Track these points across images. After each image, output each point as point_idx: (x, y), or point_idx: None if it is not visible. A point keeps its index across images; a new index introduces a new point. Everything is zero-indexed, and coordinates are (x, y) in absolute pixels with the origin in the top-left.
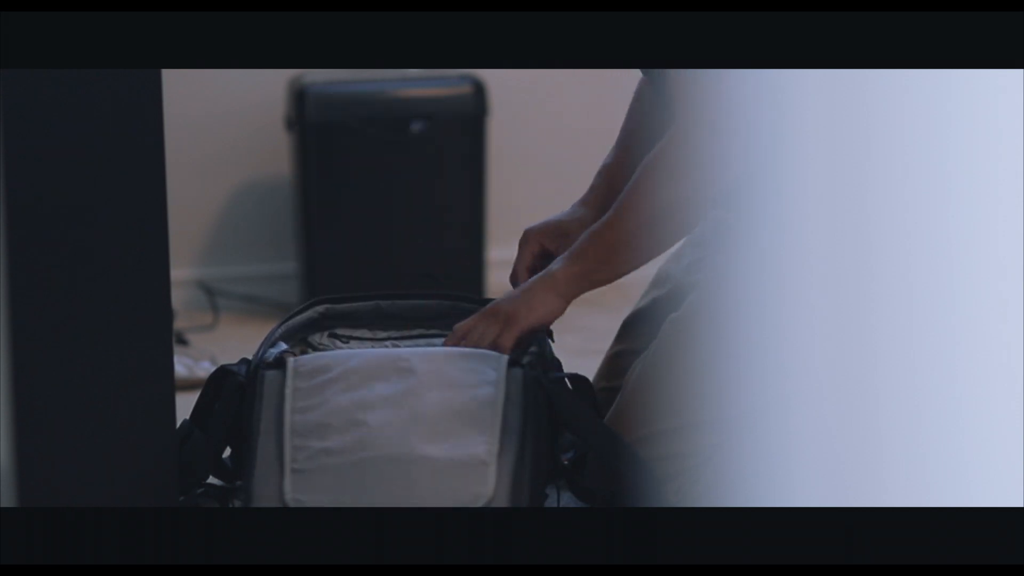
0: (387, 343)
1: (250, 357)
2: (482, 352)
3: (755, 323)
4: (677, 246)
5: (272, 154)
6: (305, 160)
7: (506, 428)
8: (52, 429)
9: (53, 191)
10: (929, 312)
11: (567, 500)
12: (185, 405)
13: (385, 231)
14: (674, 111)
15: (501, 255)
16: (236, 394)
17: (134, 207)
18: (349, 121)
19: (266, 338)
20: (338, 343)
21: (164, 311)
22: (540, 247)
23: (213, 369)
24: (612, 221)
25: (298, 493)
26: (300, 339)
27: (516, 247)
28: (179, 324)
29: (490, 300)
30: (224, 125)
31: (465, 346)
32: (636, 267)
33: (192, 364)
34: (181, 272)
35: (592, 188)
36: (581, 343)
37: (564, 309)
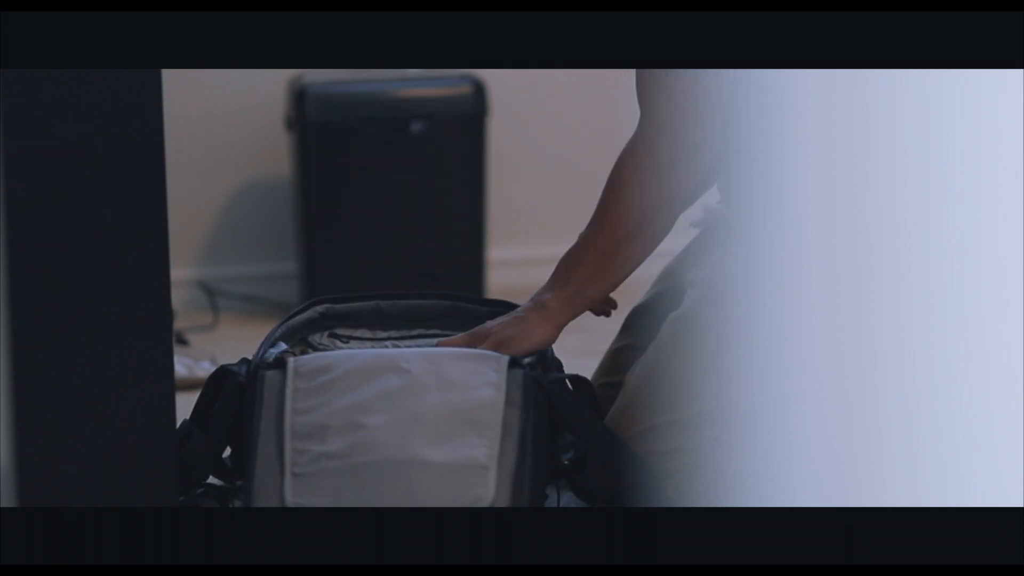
0: (387, 343)
1: (250, 357)
2: (482, 352)
3: (755, 321)
4: (682, 245)
5: (272, 154)
6: (305, 160)
7: (506, 430)
8: (52, 429)
9: (53, 191)
10: (929, 311)
11: (567, 500)
12: (185, 405)
13: (385, 231)
14: (640, 112)
15: (501, 255)
16: (236, 394)
17: (134, 207)
18: (349, 121)
19: (266, 338)
20: (338, 343)
21: (164, 311)
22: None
23: (213, 369)
24: (590, 239)
25: (298, 497)
26: (300, 339)
27: (516, 247)
28: (179, 324)
29: (490, 300)
30: (224, 125)
31: None
32: (625, 276)
33: (192, 364)
34: (181, 272)
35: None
36: (582, 343)
37: (557, 336)
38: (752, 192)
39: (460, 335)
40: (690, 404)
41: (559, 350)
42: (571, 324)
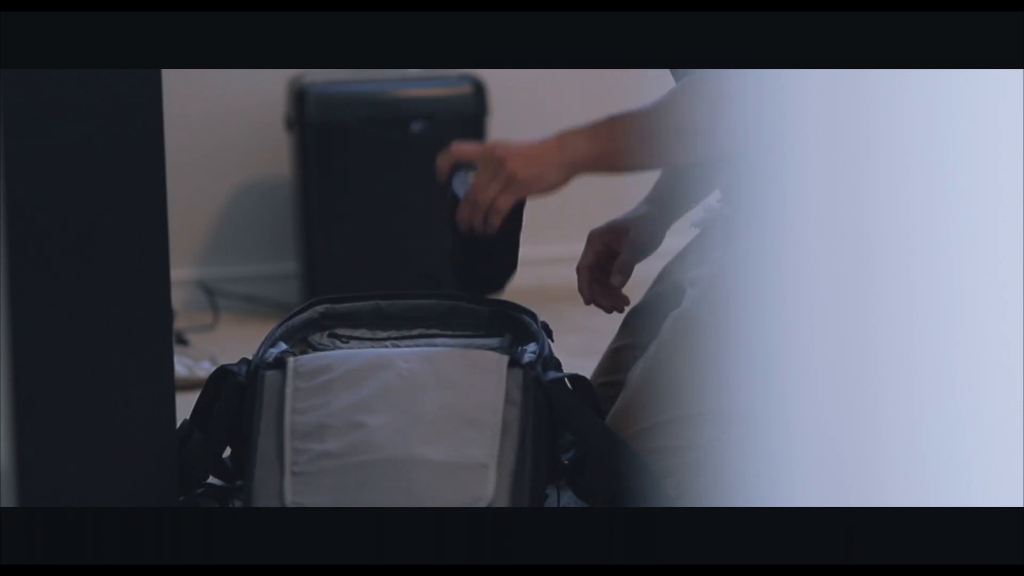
0: (387, 343)
1: (250, 357)
2: (482, 352)
3: (756, 320)
4: (682, 245)
5: (272, 154)
6: (305, 160)
7: (506, 429)
8: (52, 429)
9: (53, 191)
10: (930, 311)
11: (567, 500)
12: (185, 405)
13: (385, 231)
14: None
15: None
16: (236, 394)
17: (134, 207)
18: (349, 121)
19: (266, 338)
20: (338, 343)
21: (164, 311)
22: (603, 246)
23: (213, 369)
24: (635, 116)
25: (298, 496)
26: (300, 339)
27: None
28: (179, 324)
29: (490, 300)
30: (224, 125)
31: (465, 199)
32: (637, 167)
33: (192, 364)
34: (181, 272)
35: (657, 184)
36: (581, 343)
37: (566, 183)
38: (753, 191)
39: (476, 145)
40: (691, 403)
41: (559, 350)
42: (571, 324)
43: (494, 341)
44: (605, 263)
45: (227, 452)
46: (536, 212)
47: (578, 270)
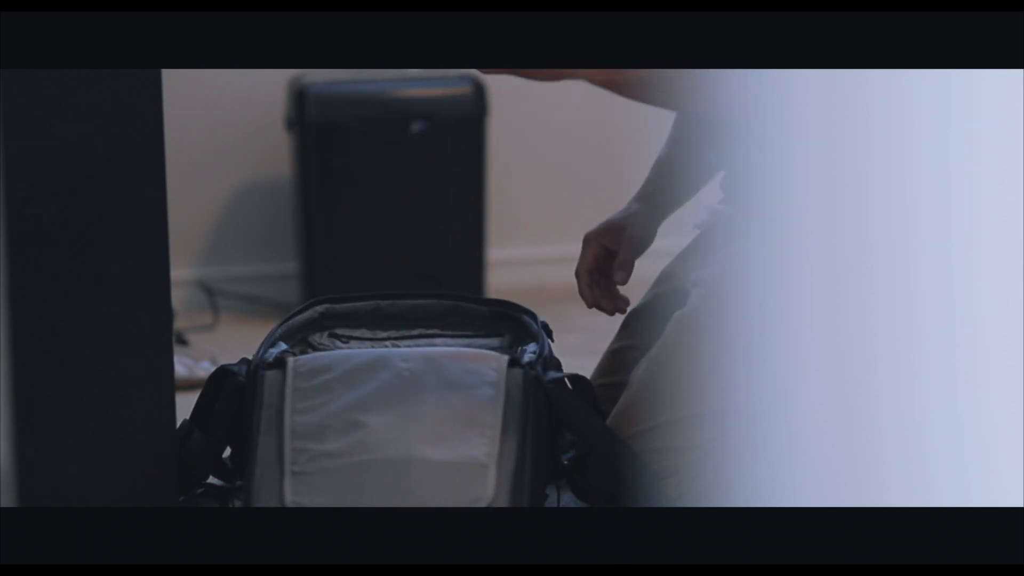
0: (387, 343)
1: (250, 357)
2: (482, 352)
3: (759, 321)
4: (682, 246)
5: (272, 154)
6: (305, 160)
7: (506, 429)
8: (52, 429)
9: (53, 191)
10: (930, 311)
11: (567, 500)
12: (185, 405)
13: (385, 231)
14: None
15: (501, 255)
16: (236, 394)
17: (134, 207)
18: (349, 121)
19: (266, 338)
20: (338, 343)
21: (164, 311)
22: (600, 247)
23: (213, 369)
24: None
25: (298, 496)
26: (300, 339)
27: (516, 247)
28: (179, 324)
29: (490, 300)
30: (224, 125)
31: None
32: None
33: (192, 364)
34: (181, 272)
35: (647, 182)
36: (581, 343)
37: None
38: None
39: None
40: (693, 403)
41: (559, 350)
42: (571, 324)
43: (494, 341)
44: (603, 264)
45: (227, 452)
46: (536, 212)
47: (577, 274)
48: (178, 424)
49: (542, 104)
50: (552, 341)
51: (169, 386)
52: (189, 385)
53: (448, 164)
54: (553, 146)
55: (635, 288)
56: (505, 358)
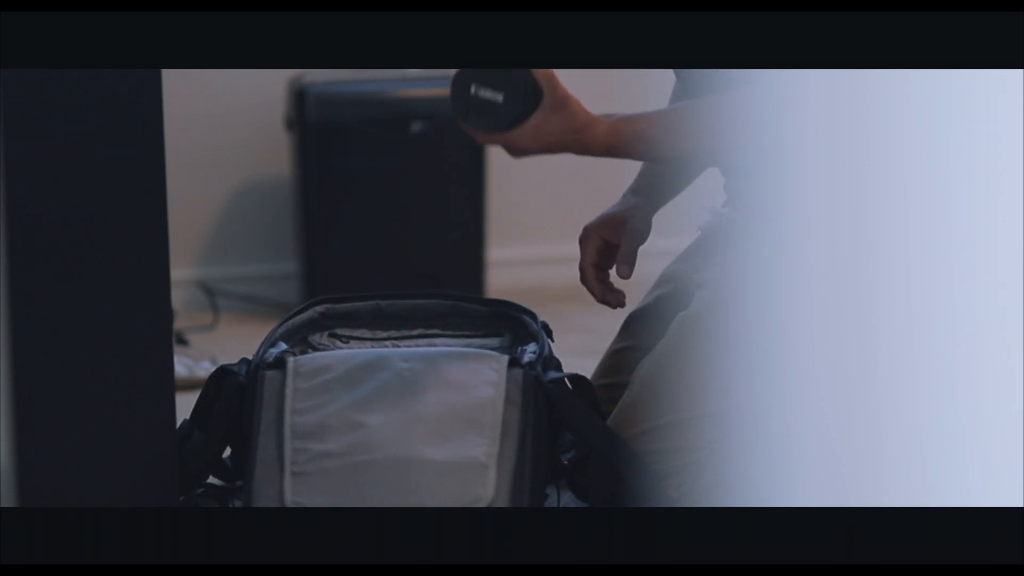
0: (387, 343)
1: (250, 357)
2: (482, 352)
3: (762, 323)
4: (683, 247)
5: (272, 154)
6: (305, 160)
7: (506, 429)
8: (52, 429)
9: (53, 191)
10: (930, 312)
11: (567, 500)
12: (185, 405)
13: (385, 231)
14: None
15: (501, 255)
16: (236, 394)
17: (134, 207)
18: (349, 121)
19: (266, 338)
20: (338, 343)
21: (164, 311)
22: (601, 241)
23: (213, 369)
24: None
25: (298, 496)
26: (300, 339)
27: (516, 247)
28: (179, 324)
29: (490, 300)
30: (224, 125)
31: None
32: (642, 155)
33: (192, 364)
34: (181, 272)
35: (641, 173)
36: (582, 343)
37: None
38: (756, 193)
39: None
40: (694, 405)
41: (559, 350)
42: (571, 324)
43: (494, 341)
44: (604, 258)
45: (227, 452)
46: (536, 212)
47: (583, 268)
48: (178, 424)
49: None
50: (552, 341)
51: (169, 386)
52: (189, 385)
53: (448, 164)
54: None
55: (635, 288)
56: (505, 358)
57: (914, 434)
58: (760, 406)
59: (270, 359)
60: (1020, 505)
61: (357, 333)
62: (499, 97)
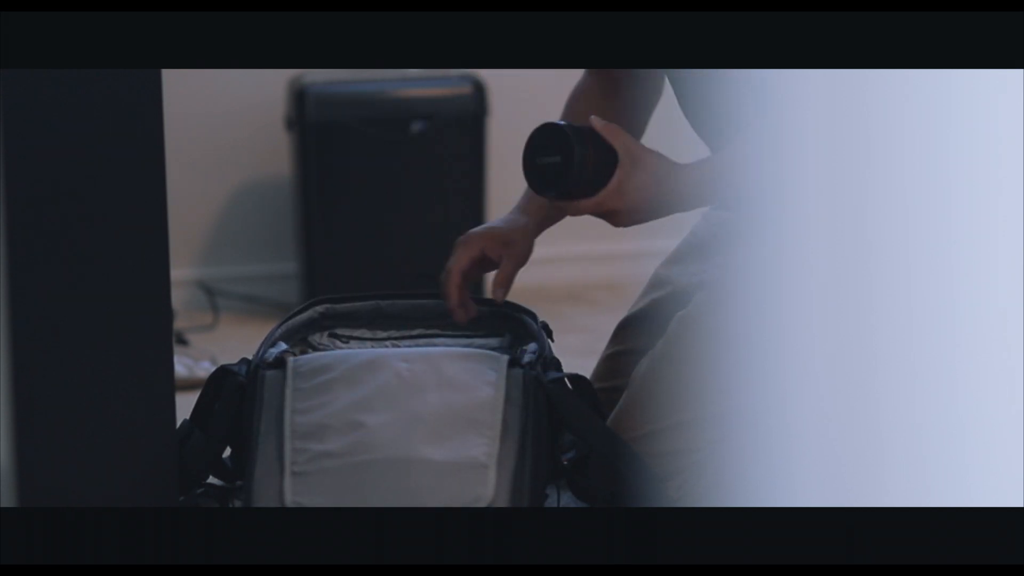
0: (387, 343)
1: (250, 357)
2: (482, 352)
3: (761, 323)
4: (675, 250)
5: (272, 154)
6: (305, 160)
7: (506, 429)
8: (52, 429)
9: (53, 191)
10: (930, 312)
11: (567, 500)
12: (185, 405)
13: (385, 231)
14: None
15: None
16: (236, 394)
17: (134, 207)
18: (349, 121)
19: (266, 338)
20: (338, 343)
21: (164, 311)
22: (480, 252)
23: (213, 369)
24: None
25: (298, 496)
26: (300, 339)
27: None
28: (179, 324)
29: (490, 300)
30: (224, 125)
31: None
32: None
33: (192, 364)
34: (181, 272)
35: (531, 196)
36: (582, 343)
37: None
38: (758, 193)
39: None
40: (695, 406)
41: (559, 350)
42: (571, 324)
43: (494, 341)
44: (473, 270)
45: (227, 452)
46: None
47: (449, 271)
48: (178, 424)
49: (542, 104)
50: (552, 341)
51: (169, 386)
52: (189, 385)
53: (448, 164)
54: None
55: (632, 290)
56: (505, 358)
57: (914, 434)
58: (760, 406)
59: (270, 359)
60: (1020, 505)
61: (357, 333)
62: (557, 159)
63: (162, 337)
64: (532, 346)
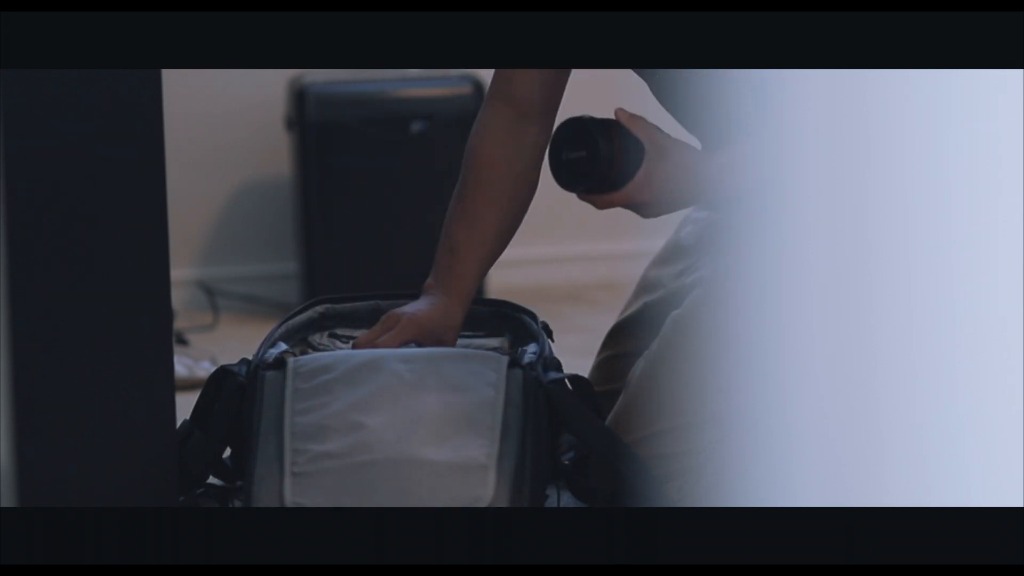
0: None
1: (250, 357)
2: (482, 353)
3: (758, 323)
4: (662, 252)
5: (272, 154)
6: (305, 160)
7: (506, 430)
8: (52, 429)
9: (53, 191)
10: (930, 312)
11: (567, 500)
12: (185, 405)
13: (385, 231)
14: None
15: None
16: (236, 394)
17: (134, 207)
18: (349, 121)
19: (266, 338)
20: (338, 343)
21: (164, 311)
22: (410, 340)
23: (213, 369)
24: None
25: (298, 496)
26: (300, 339)
27: (516, 247)
28: (179, 324)
29: (490, 300)
30: (224, 125)
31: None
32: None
33: (192, 364)
34: (181, 272)
35: (444, 270)
36: (582, 343)
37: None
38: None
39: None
40: (693, 408)
41: (559, 350)
42: (571, 324)
43: (494, 341)
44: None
45: (227, 452)
46: (536, 212)
47: (381, 346)
48: (178, 424)
49: None
50: (552, 341)
51: (169, 386)
52: (189, 385)
53: (448, 164)
54: None
55: (629, 291)
56: (505, 359)
57: (914, 434)
58: (759, 406)
59: (270, 359)
60: (1020, 505)
61: (357, 333)
62: (583, 154)
63: (162, 337)
64: (532, 346)
